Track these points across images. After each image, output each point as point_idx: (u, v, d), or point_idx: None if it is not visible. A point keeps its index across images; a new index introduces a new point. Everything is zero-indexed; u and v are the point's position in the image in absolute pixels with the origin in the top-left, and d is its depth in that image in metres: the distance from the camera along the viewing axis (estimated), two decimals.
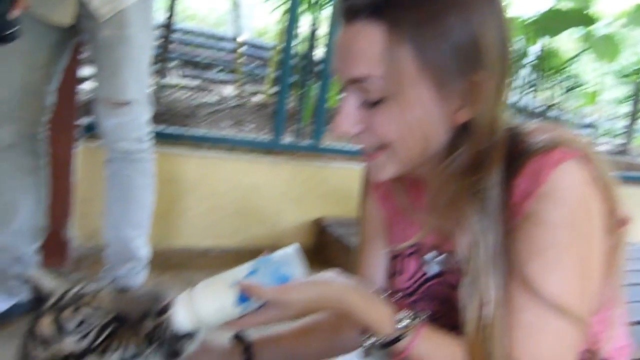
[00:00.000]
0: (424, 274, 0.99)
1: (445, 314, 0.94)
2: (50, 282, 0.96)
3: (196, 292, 0.88)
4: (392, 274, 1.06)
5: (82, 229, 2.49)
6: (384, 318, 0.83)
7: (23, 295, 1.83)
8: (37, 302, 0.93)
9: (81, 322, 0.82)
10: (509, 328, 0.79)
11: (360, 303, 0.83)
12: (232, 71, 5.13)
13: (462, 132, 0.82)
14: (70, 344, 0.82)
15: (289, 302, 0.83)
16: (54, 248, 2.20)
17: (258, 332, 1.10)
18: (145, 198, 1.96)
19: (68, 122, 2.18)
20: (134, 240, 1.94)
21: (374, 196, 1.11)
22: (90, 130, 2.57)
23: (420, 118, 0.79)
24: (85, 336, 0.82)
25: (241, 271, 0.88)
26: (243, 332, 1.11)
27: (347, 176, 3.05)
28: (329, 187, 3.04)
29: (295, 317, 0.86)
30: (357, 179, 3.22)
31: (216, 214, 2.79)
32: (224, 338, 1.09)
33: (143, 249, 2.00)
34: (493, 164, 0.81)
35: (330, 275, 0.86)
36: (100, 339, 0.82)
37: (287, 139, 3.15)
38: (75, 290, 0.88)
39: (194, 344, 0.88)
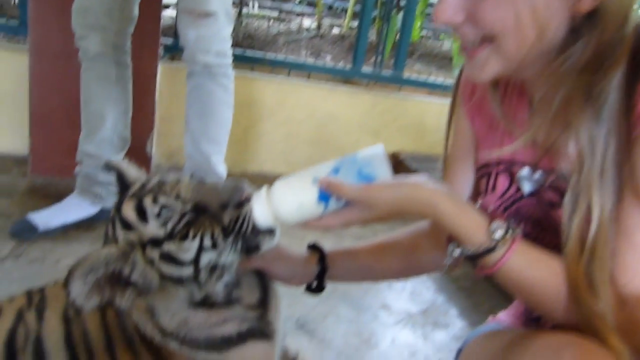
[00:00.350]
0: (517, 192, 0.91)
1: (537, 236, 0.86)
2: (133, 171, 0.97)
3: (276, 187, 0.85)
4: (479, 193, 0.99)
5: (162, 148, 2.57)
6: (477, 227, 0.76)
7: (109, 202, 1.92)
8: (121, 188, 0.95)
9: (161, 209, 0.82)
10: (617, 250, 0.70)
11: (452, 208, 0.77)
12: (311, 4, 4.99)
13: (582, 25, 0.71)
14: (151, 229, 0.82)
15: (373, 201, 0.78)
16: (135, 163, 2.28)
17: (335, 245, 1.08)
18: (224, 114, 1.96)
19: (152, 37, 2.19)
20: (212, 155, 1.96)
21: (464, 109, 1.02)
22: (172, 51, 2.60)
23: (534, 4, 0.68)
24: (165, 223, 0.82)
25: (323, 168, 0.84)
26: (319, 243, 1.09)
27: (427, 110, 2.92)
28: (408, 120, 2.93)
29: (377, 219, 0.81)
30: (437, 115, 3.08)
31: (292, 141, 2.78)
32: (300, 248, 1.08)
33: (221, 166, 2.03)
34: (617, 63, 0.70)
35: (419, 178, 0.80)
36: (179, 226, 0.82)
37: (367, 69, 3.04)
38: (156, 179, 0.89)
39: (272, 241, 0.87)
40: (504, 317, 1.15)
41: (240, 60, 2.77)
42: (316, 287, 1.08)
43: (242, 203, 0.83)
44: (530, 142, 0.84)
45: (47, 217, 1.78)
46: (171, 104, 2.50)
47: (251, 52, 2.89)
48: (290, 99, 2.75)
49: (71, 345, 0.94)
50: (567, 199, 0.74)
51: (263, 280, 1.02)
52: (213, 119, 1.90)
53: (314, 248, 1.08)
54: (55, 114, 2.18)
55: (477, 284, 1.90)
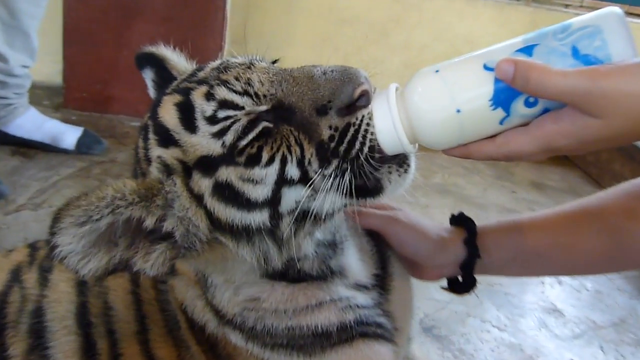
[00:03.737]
0: None
1: None
2: (179, 59, 0.78)
3: (416, 81, 0.62)
4: None
5: None
6: None
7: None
8: (161, 83, 0.77)
9: (218, 109, 0.62)
10: None
11: None
12: None
13: None
14: (201, 142, 0.62)
15: (608, 99, 0.54)
16: None
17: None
18: None
19: None
20: None
21: None
22: None
23: None
24: (223, 132, 0.62)
25: (501, 48, 0.60)
26: (465, 215, 0.86)
27: None
28: None
29: (610, 140, 0.56)
30: None
31: (410, 73, 2.60)
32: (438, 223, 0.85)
33: None
34: None
35: None
36: (247, 140, 0.61)
37: None
38: (214, 64, 0.69)
39: (404, 178, 0.64)
40: None
41: None
42: (462, 283, 0.86)
43: (356, 104, 0.61)
44: None
45: None
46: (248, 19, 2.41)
47: None
48: (411, 15, 2.55)
49: (85, 324, 0.81)
50: None
51: (382, 247, 0.81)
52: None
53: (458, 221, 0.86)
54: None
55: None
